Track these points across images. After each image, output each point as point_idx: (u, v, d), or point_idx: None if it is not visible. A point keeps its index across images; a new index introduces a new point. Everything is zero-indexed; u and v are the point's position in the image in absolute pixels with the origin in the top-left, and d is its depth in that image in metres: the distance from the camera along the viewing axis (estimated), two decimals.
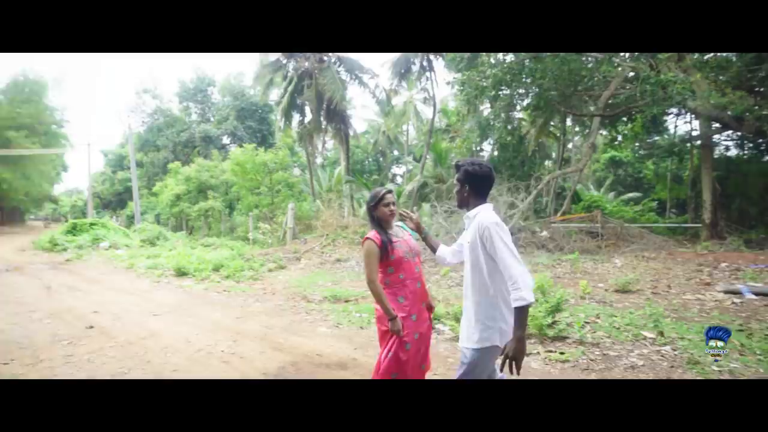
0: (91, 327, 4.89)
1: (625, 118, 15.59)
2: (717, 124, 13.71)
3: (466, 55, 14.25)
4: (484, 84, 11.98)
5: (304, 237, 12.84)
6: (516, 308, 1.74)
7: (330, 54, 16.68)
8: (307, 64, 16.15)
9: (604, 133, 19.55)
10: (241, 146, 16.68)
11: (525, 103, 14.89)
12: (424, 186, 21.33)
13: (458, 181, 2.06)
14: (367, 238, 2.30)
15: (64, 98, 46.80)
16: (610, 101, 12.80)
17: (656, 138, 20.05)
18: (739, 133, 16.02)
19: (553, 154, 23.79)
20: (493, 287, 1.92)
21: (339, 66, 17.55)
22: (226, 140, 26.93)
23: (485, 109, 17.29)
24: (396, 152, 39.90)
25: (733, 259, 8.94)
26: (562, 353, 3.83)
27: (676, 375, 3.33)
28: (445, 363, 3.68)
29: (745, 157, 17.80)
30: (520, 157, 18.50)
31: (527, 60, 11.86)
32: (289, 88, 16.28)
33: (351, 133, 23.30)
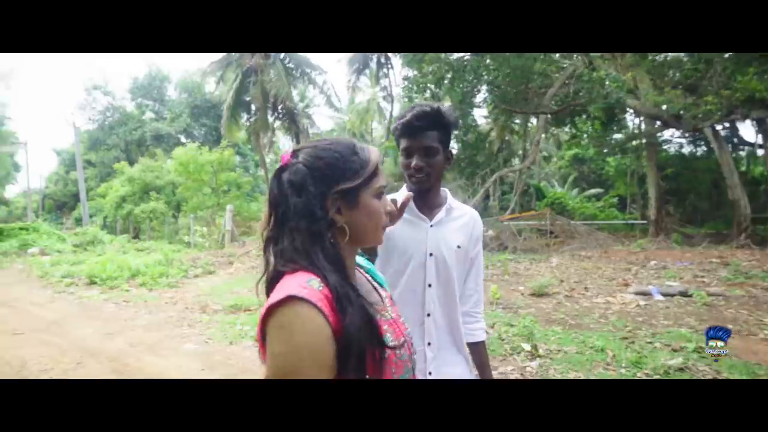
0: None
1: (584, 116, 15.47)
2: (658, 123, 13.80)
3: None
4: (427, 80, 11.74)
5: (244, 239, 12.35)
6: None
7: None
8: (251, 60, 15.59)
9: (567, 130, 19.47)
10: (183, 145, 15.99)
11: (477, 100, 14.65)
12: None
13: (440, 143, 1.21)
14: (290, 296, 0.64)
15: (9, 94, 44.43)
16: (554, 100, 12.73)
17: (615, 135, 20.08)
18: (687, 132, 16.22)
19: (521, 152, 23.73)
20: None
21: (289, 62, 17.00)
22: (183, 139, 26.03)
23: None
24: None
25: (662, 256, 8.92)
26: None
27: None
28: None
29: (697, 153, 18.23)
30: (482, 155, 18.30)
31: (479, 57, 11.61)
32: (235, 85, 15.68)
33: (313, 131, 22.76)
